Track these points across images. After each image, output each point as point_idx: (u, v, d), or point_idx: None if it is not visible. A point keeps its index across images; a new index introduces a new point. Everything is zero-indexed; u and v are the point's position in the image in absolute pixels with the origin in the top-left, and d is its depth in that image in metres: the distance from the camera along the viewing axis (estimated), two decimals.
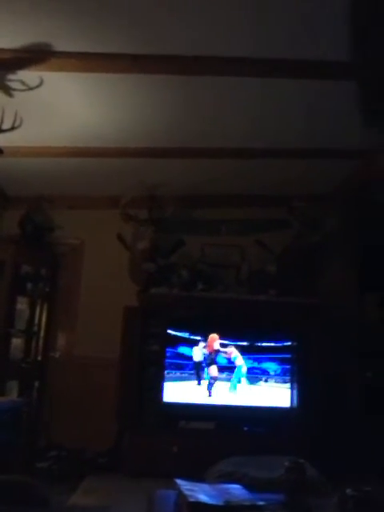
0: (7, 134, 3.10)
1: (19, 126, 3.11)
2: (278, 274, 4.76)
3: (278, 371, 4.54)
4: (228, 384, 4.46)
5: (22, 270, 4.62)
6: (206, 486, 2.14)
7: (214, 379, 4.45)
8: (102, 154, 4.06)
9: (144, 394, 4.44)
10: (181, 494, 1.98)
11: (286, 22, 2.54)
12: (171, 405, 4.37)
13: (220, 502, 1.89)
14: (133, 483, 3.94)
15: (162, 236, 4.80)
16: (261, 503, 1.95)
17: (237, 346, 4.49)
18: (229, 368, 4.48)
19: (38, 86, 3.04)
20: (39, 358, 4.71)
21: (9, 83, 3.01)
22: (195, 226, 5.10)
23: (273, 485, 2.64)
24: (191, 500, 1.88)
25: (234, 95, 3.24)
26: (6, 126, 3.09)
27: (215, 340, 4.47)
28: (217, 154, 4.09)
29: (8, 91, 3.07)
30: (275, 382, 4.53)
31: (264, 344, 4.56)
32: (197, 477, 2.49)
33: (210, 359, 4.46)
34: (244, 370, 4.47)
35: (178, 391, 4.41)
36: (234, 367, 4.47)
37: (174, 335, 4.47)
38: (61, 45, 2.73)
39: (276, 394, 4.50)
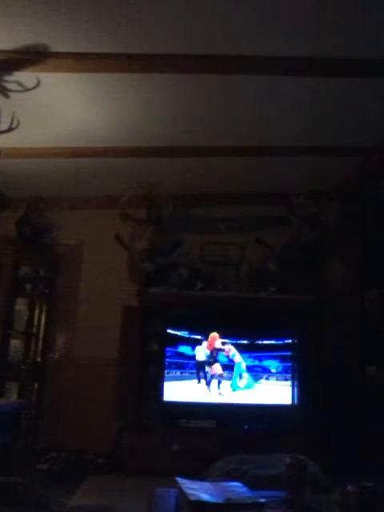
0: (4, 135, 3.10)
1: (16, 127, 3.11)
2: (277, 272, 4.76)
3: (279, 369, 4.54)
4: (229, 382, 4.46)
5: (21, 271, 4.62)
6: (206, 484, 2.13)
7: (220, 377, 4.45)
8: (100, 154, 4.06)
9: (144, 394, 4.44)
10: (181, 493, 1.97)
11: (285, 20, 2.53)
12: (171, 404, 4.37)
13: (221, 500, 1.89)
14: (133, 483, 3.93)
15: (161, 235, 4.80)
16: (262, 500, 1.95)
17: (237, 345, 4.49)
18: (229, 366, 4.48)
19: (34, 87, 3.04)
20: (38, 359, 4.71)
21: (5, 84, 3.01)
22: (194, 224, 5.10)
23: (274, 482, 2.63)
24: (192, 498, 1.87)
25: (231, 93, 3.23)
26: (3, 127, 3.10)
27: (216, 339, 4.47)
28: (215, 152, 4.09)
29: (5, 92, 3.07)
30: (276, 379, 4.53)
31: (265, 342, 4.55)
32: (197, 475, 2.49)
33: (213, 358, 4.46)
34: (243, 366, 4.47)
35: (178, 390, 4.41)
36: (234, 364, 4.47)
37: (174, 334, 4.47)
38: (57, 45, 2.73)
39: (277, 392, 4.50)
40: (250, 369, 4.49)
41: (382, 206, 4.56)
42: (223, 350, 4.47)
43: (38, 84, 3.02)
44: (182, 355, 4.46)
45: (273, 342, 4.56)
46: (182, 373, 4.44)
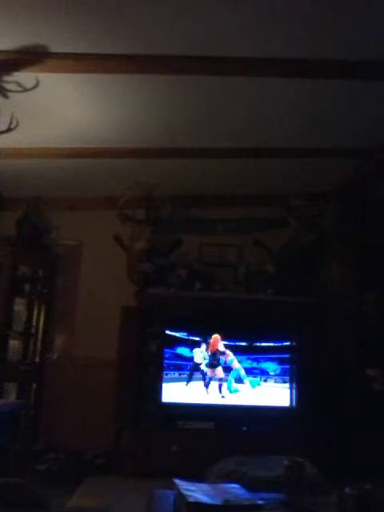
0: (3, 136, 3.09)
1: (15, 127, 3.11)
2: (276, 273, 4.76)
3: (278, 371, 4.53)
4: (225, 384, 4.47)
5: (20, 272, 4.63)
6: (204, 486, 2.13)
7: (221, 380, 4.44)
8: (99, 155, 4.06)
9: (143, 395, 4.44)
10: (180, 494, 1.98)
11: (284, 21, 2.53)
12: (170, 405, 4.37)
13: (219, 502, 1.89)
14: (132, 484, 3.93)
15: (160, 236, 4.80)
16: (260, 502, 1.95)
17: (235, 346, 4.48)
18: (228, 368, 4.47)
19: (33, 88, 3.03)
20: (37, 360, 4.71)
21: (4, 85, 3.01)
22: (193, 225, 5.10)
23: (272, 484, 2.63)
24: (190, 500, 1.87)
25: (230, 95, 3.23)
26: (2, 127, 3.09)
27: (219, 341, 4.46)
28: (213, 153, 4.09)
29: (4, 93, 3.07)
30: (274, 381, 4.53)
31: (263, 344, 4.55)
32: (196, 477, 2.49)
33: (216, 360, 4.45)
34: (242, 372, 4.46)
35: (176, 392, 4.40)
36: (231, 368, 4.47)
37: (172, 336, 4.47)
38: (56, 46, 2.72)
39: (275, 394, 4.50)
40: (248, 371, 4.48)
41: (380, 207, 4.57)
42: (224, 354, 4.45)
43: (37, 84, 3.01)
44: (180, 357, 4.45)
45: (271, 343, 4.56)
46: (180, 374, 4.44)
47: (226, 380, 4.45)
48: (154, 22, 2.52)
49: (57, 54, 2.76)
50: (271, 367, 4.53)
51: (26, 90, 3.04)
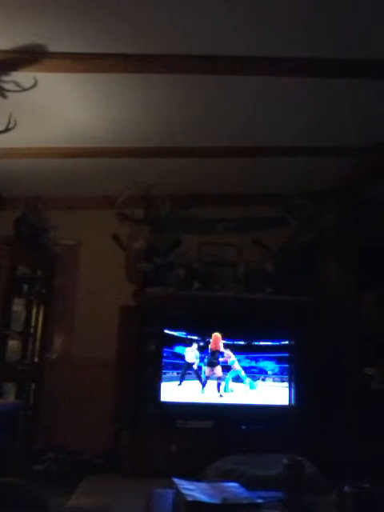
0: (1, 136, 3.09)
1: (13, 127, 3.10)
2: (274, 273, 4.76)
3: (276, 370, 4.54)
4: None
5: (18, 272, 4.61)
6: (203, 485, 2.14)
7: (219, 379, 4.44)
8: (97, 154, 4.05)
9: (141, 394, 4.44)
10: (179, 493, 1.98)
11: (282, 20, 2.53)
12: (169, 404, 4.37)
13: (218, 501, 1.89)
14: (131, 483, 3.93)
15: (158, 235, 4.79)
16: (259, 501, 1.95)
17: (234, 345, 4.48)
18: (227, 367, 4.47)
19: (31, 87, 3.03)
20: (36, 360, 4.70)
21: (2, 84, 3.00)
22: (191, 224, 5.10)
23: (271, 483, 2.64)
24: (189, 499, 1.87)
25: (229, 93, 3.23)
26: (0, 127, 3.09)
27: (219, 339, 4.45)
28: (211, 152, 4.09)
29: (2, 92, 3.06)
30: (273, 381, 4.53)
31: (261, 343, 4.55)
32: (195, 476, 2.49)
33: (215, 359, 4.45)
34: (243, 374, 4.47)
35: (175, 391, 4.40)
36: (230, 367, 4.47)
37: (171, 335, 4.47)
38: (54, 46, 2.72)
39: (274, 393, 4.50)
40: (246, 370, 4.49)
41: (378, 206, 4.57)
42: (224, 354, 4.45)
43: (35, 84, 3.01)
44: (179, 356, 4.45)
45: (270, 343, 4.56)
46: (178, 373, 4.44)
47: (225, 379, 4.45)
48: (152, 20, 2.52)
49: (55, 53, 2.76)
50: (270, 366, 4.53)
51: (24, 89, 3.03)
